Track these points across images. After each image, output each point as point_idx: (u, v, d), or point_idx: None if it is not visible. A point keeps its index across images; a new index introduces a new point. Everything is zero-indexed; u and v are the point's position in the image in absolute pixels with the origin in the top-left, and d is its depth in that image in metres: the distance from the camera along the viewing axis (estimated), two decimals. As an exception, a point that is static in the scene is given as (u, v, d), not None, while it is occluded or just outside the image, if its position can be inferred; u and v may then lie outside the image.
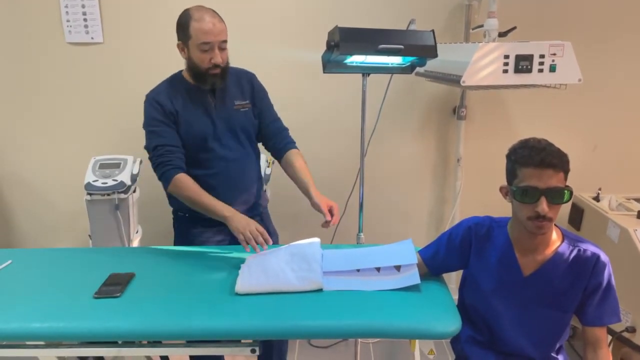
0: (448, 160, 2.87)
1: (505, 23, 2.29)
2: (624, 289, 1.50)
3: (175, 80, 1.87)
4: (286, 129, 2.01)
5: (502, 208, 2.10)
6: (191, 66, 1.79)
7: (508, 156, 1.42)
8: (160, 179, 1.81)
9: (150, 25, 2.63)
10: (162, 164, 1.79)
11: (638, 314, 2.11)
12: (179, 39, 1.79)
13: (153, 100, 1.81)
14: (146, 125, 1.83)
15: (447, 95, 2.76)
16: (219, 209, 1.73)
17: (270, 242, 1.66)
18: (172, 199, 1.94)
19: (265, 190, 2.10)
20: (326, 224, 1.74)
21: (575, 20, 2.63)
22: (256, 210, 2.01)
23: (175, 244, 2.00)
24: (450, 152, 2.85)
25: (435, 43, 1.74)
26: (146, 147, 1.83)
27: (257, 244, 1.63)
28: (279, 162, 1.98)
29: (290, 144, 1.98)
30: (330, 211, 1.75)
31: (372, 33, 1.70)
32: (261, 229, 1.67)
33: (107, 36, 2.65)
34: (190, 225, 1.93)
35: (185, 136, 1.82)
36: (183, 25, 1.75)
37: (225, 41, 1.76)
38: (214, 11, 1.76)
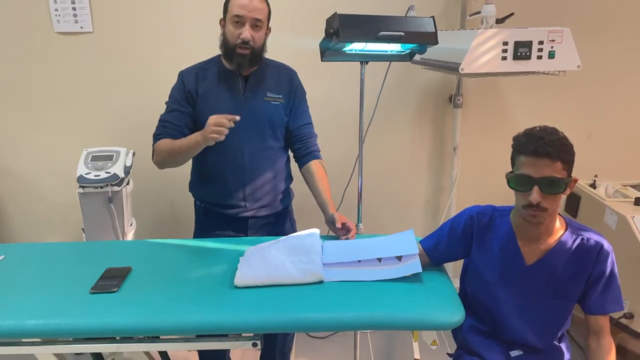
0: (444, 148, 2.85)
1: (502, 9, 2.26)
2: (621, 275, 1.49)
3: (212, 61, 1.86)
4: (314, 136, 1.96)
5: (498, 196, 2.09)
6: (223, 41, 1.77)
7: (512, 143, 1.40)
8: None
9: (141, 14, 2.58)
10: (154, 137, 1.83)
11: (636, 301, 2.12)
12: (223, 15, 1.78)
13: (180, 77, 1.84)
14: (168, 98, 1.85)
15: (443, 83, 2.74)
16: (192, 139, 1.69)
17: (237, 118, 1.59)
18: (192, 187, 1.96)
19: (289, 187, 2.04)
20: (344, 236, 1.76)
21: (573, 6, 2.61)
22: (278, 208, 1.96)
23: (195, 232, 2.00)
24: (446, 141, 2.83)
25: (436, 30, 1.71)
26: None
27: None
28: (300, 167, 1.94)
29: (316, 152, 1.93)
30: (345, 227, 1.74)
31: (372, 20, 1.66)
32: (219, 117, 1.59)
33: (97, 25, 2.59)
34: (205, 216, 1.93)
35: (204, 117, 1.76)
36: (226, 0, 1.74)
37: (259, 20, 1.72)
38: None
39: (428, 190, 2.92)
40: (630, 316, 2.14)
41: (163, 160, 1.80)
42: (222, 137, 1.58)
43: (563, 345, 1.54)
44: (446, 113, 2.79)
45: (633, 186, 2.48)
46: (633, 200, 2.28)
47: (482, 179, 2.83)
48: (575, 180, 1.36)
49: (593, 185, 2.53)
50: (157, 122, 1.85)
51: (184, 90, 1.81)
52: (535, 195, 1.30)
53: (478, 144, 2.81)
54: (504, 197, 1.46)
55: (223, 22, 1.78)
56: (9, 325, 1.32)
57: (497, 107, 2.78)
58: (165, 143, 1.78)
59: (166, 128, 1.81)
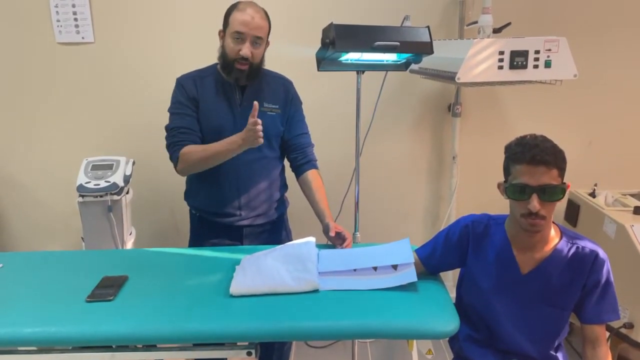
0: (443, 157, 2.85)
1: (499, 19, 2.28)
2: (621, 285, 1.49)
3: (208, 70, 1.87)
4: (311, 145, 1.96)
5: (498, 205, 2.09)
6: (222, 54, 1.78)
7: (504, 153, 1.41)
8: (171, 160, 1.81)
9: (142, 25, 2.60)
10: (172, 144, 1.80)
11: (636, 310, 2.11)
12: (222, 27, 1.79)
13: (179, 84, 1.84)
14: (170, 107, 1.84)
15: (442, 93, 2.74)
16: (231, 143, 1.68)
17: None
18: (187, 196, 1.96)
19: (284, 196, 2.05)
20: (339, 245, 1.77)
21: (570, 16, 2.62)
22: (274, 216, 1.96)
23: (190, 241, 2.00)
24: (445, 150, 2.84)
25: (431, 39, 1.72)
26: (165, 128, 1.84)
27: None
28: (296, 177, 1.94)
29: (312, 162, 1.94)
30: (340, 236, 1.75)
31: (367, 30, 1.68)
32: (251, 123, 1.61)
33: (98, 36, 2.61)
34: (200, 225, 1.94)
35: (202, 127, 1.79)
36: (227, 13, 1.76)
37: (260, 38, 1.73)
38: (262, 9, 1.76)
39: (427, 199, 2.92)
40: (630, 326, 2.13)
41: (192, 167, 1.79)
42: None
43: (560, 355, 1.53)
44: (445, 122, 2.79)
45: (632, 195, 2.48)
46: (632, 209, 2.28)
47: (482, 187, 2.83)
48: (568, 186, 1.36)
49: (592, 194, 2.53)
50: (167, 131, 1.83)
51: (187, 95, 1.81)
52: (534, 203, 1.30)
53: (477, 152, 2.81)
54: (504, 205, 1.46)
55: (222, 34, 1.78)
56: (5, 334, 1.32)
57: (496, 116, 2.78)
58: (194, 149, 1.76)
59: (186, 134, 1.79)
